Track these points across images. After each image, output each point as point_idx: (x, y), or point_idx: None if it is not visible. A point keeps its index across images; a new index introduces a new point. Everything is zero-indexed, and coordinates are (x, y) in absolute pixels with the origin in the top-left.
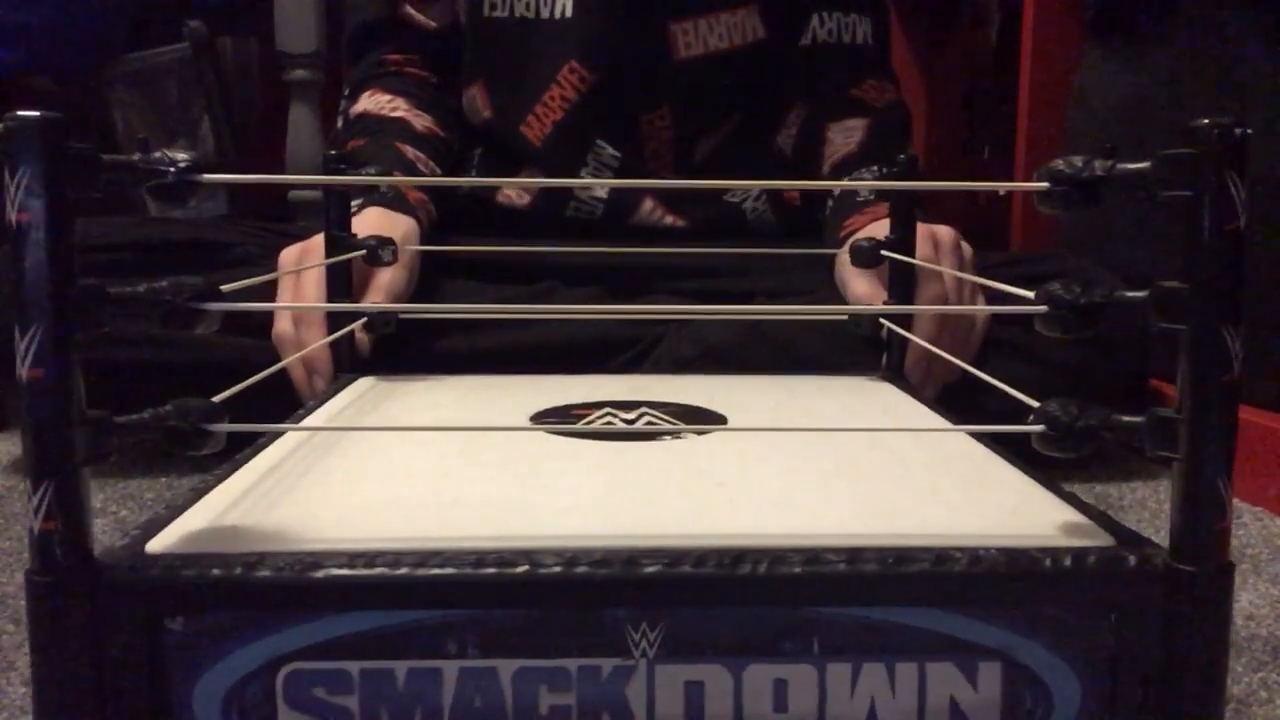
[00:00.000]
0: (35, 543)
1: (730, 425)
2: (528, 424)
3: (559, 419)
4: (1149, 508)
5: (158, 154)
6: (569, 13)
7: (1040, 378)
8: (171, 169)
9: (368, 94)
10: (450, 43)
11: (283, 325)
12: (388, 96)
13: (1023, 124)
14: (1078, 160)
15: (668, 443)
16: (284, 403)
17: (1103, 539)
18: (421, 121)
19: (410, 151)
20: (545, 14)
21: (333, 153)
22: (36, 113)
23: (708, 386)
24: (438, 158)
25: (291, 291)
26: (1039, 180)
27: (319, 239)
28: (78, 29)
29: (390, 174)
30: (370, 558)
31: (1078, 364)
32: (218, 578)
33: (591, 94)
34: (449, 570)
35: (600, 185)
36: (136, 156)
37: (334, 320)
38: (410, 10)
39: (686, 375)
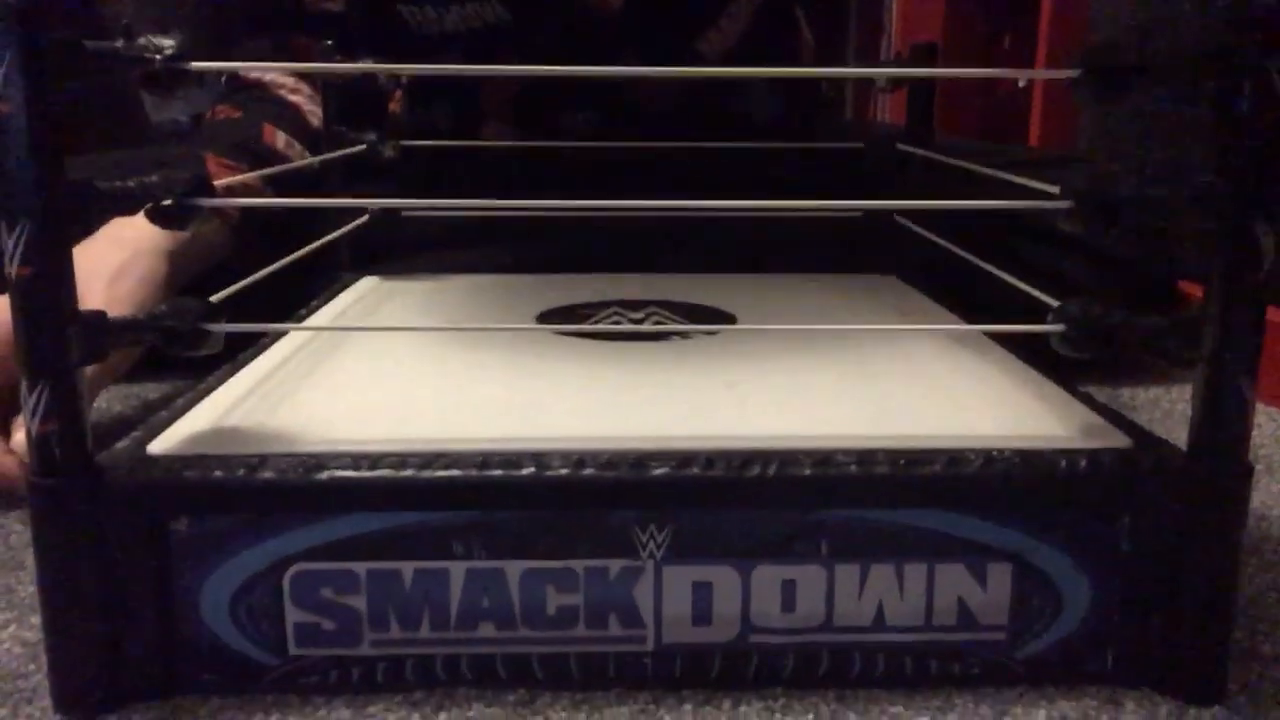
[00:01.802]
0: (34, 444)
1: (740, 324)
2: (533, 324)
3: (565, 319)
4: (1161, 407)
5: (142, 40)
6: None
7: (1059, 279)
8: (158, 56)
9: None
10: (356, 20)
11: None
12: (294, 80)
13: (1045, 11)
14: (1113, 46)
15: (676, 342)
16: (285, 303)
17: (1119, 440)
18: (318, 116)
19: (281, 139)
20: None
21: (182, 119)
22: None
23: (717, 285)
24: (314, 152)
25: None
26: (1071, 67)
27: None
28: None
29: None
30: (374, 459)
31: (1099, 266)
32: (221, 479)
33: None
34: (454, 471)
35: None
36: (120, 43)
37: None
38: None
39: (694, 274)
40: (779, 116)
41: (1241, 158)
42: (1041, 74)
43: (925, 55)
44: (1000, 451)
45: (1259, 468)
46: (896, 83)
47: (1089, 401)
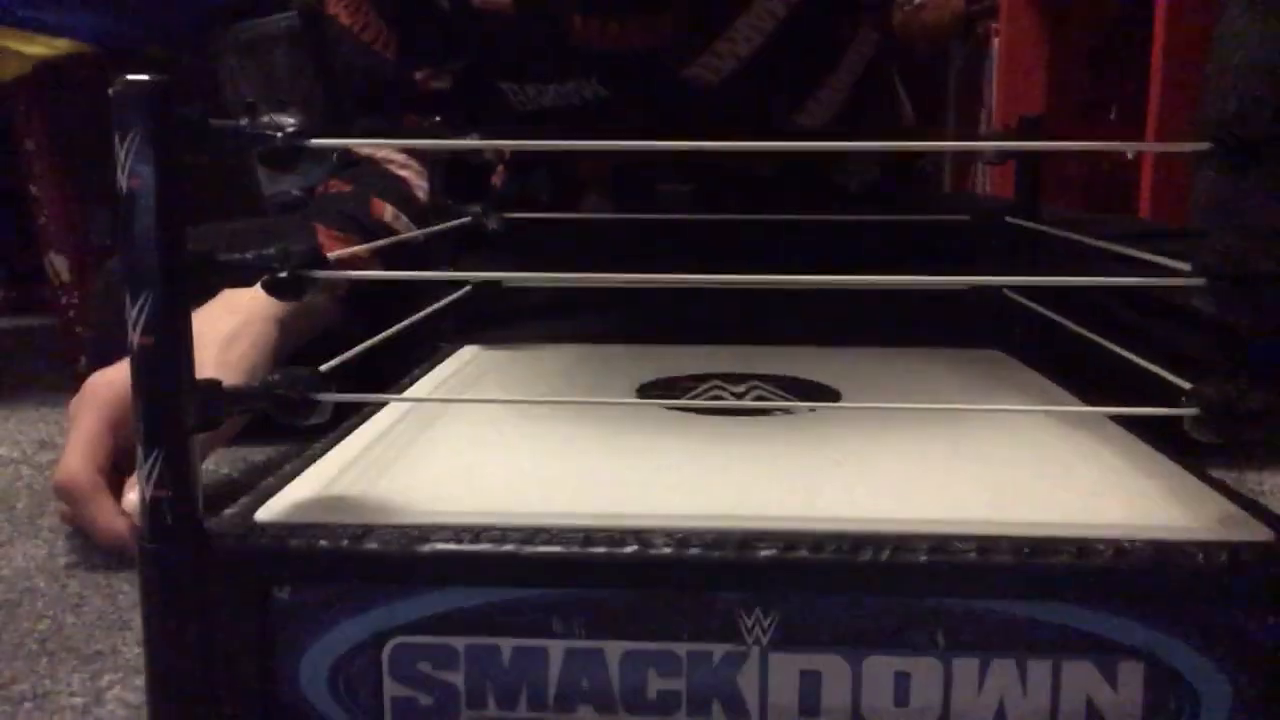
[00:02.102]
0: (146, 509)
1: (845, 401)
2: (634, 397)
3: (666, 392)
4: None
5: (265, 118)
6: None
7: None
8: (279, 133)
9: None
10: (463, 99)
11: (73, 467)
12: (403, 156)
13: (1156, 83)
14: (1245, 117)
15: (779, 418)
16: (387, 371)
17: (1261, 532)
18: (424, 190)
19: (389, 212)
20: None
21: (294, 193)
22: (145, 77)
23: (818, 358)
24: (421, 224)
25: (81, 440)
26: (1198, 140)
27: (118, 375)
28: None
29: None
30: (476, 532)
31: (1228, 343)
32: (325, 548)
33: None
34: (556, 548)
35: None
36: (244, 121)
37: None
38: (422, 76)
39: (796, 346)
40: (878, 188)
41: None
42: (1166, 146)
43: (1032, 128)
44: (1132, 542)
45: None
46: (1002, 156)
47: (1224, 489)
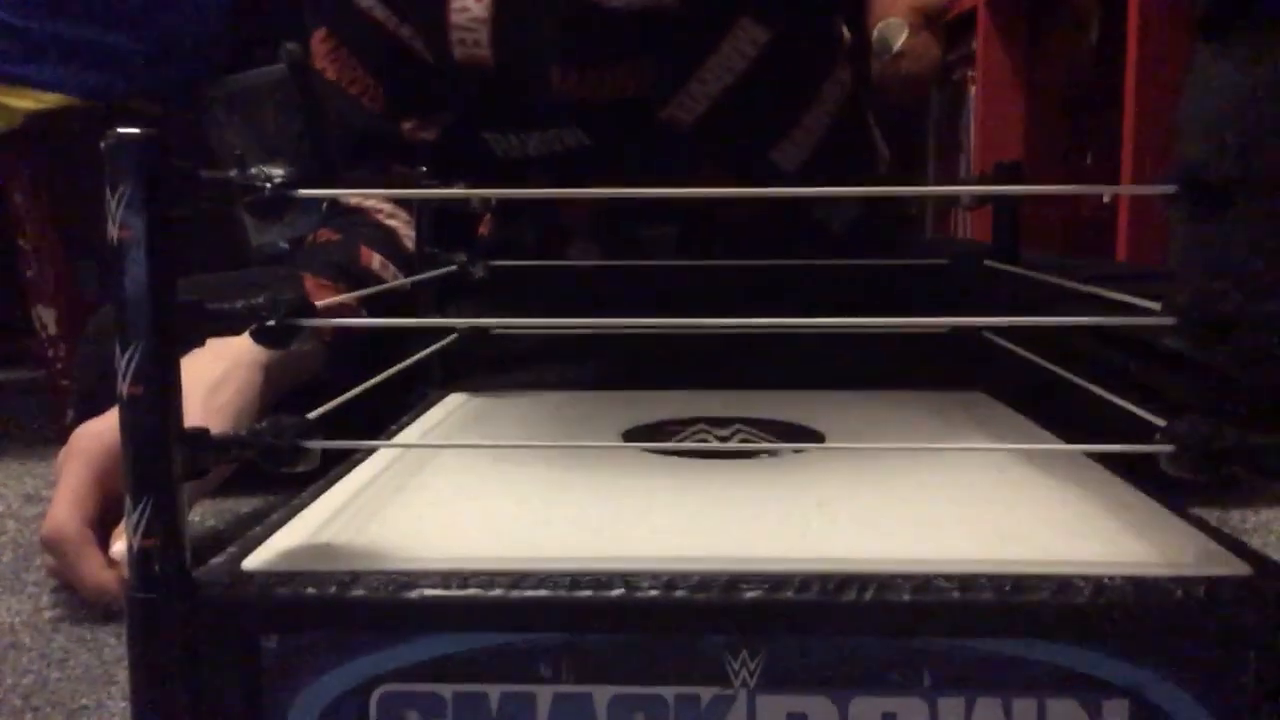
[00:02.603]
0: (134, 559)
1: (828, 443)
2: (620, 441)
3: (652, 436)
4: (1275, 530)
5: (254, 170)
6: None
7: (1155, 395)
8: (267, 184)
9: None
10: (449, 148)
11: (60, 519)
12: (391, 206)
13: (1129, 128)
14: (1209, 162)
15: (764, 460)
16: (375, 419)
17: (1239, 567)
18: (412, 239)
19: (376, 260)
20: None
21: (282, 244)
22: (136, 130)
23: (802, 401)
24: (408, 274)
25: (69, 493)
26: (1166, 183)
27: (105, 427)
28: (178, 53)
29: (334, 284)
30: (464, 578)
31: (1203, 382)
32: (313, 596)
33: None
34: (543, 592)
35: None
36: (233, 173)
37: (430, 335)
38: (409, 126)
39: (779, 390)
40: (858, 225)
41: None
42: (1135, 190)
43: (1009, 173)
44: (1111, 579)
45: None
46: (981, 200)
47: (1202, 526)
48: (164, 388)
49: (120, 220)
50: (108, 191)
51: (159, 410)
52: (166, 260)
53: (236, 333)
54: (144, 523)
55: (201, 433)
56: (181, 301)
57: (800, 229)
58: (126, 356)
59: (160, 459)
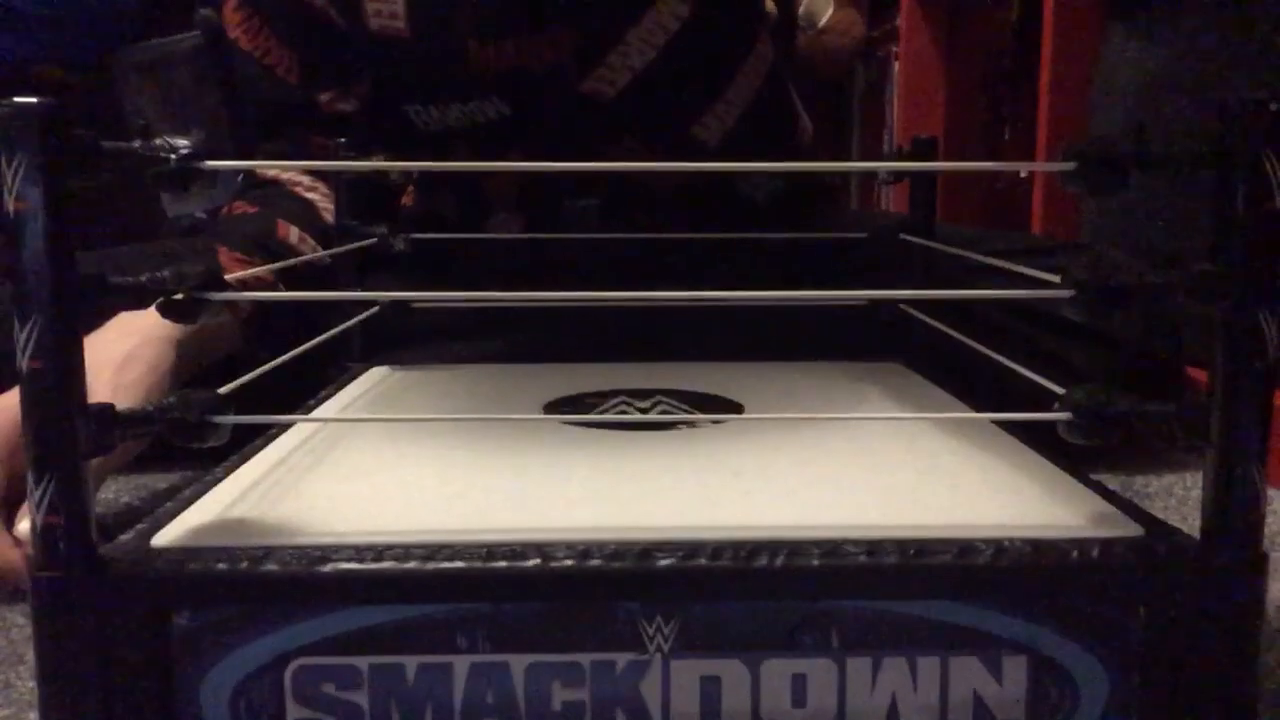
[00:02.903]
0: (38, 537)
1: (746, 414)
2: (540, 414)
3: (573, 408)
4: (1175, 494)
5: (159, 141)
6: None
7: (1066, 365)
8: (172, 155)
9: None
10: (369, 120)
11: None
12: (310, 178)
13: (1044, 104)
14: (1105, 139)
15: (683, 431)
16: (296, 393)
17: (1131, 529)
18: (332, 212)
19: (294, 234)
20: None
21: (199, 215)
22: (33, 99)
23: (723, 373)
24: (327, 247)
25: None
26: (1065, 160)
27: (10, 403)
28: (87, 18)
29: (249, 257)
30: (378, 551)
31: (1106, 351)
32: (223, 571)
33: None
34: (458, 563)
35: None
36: (137, 143)
37: (346, 309)
38: (326, 98)
39: (701, 362)
40: (781, 197)
41: (1242, 246)
42: (1035, 166)
43: (926, 149)
44: (1011, 541)
45: (1277, 555)
46: (898, 175)
47: (1100, 490)
48: (65, 362)
49: (16, 192)
50: (3, 162)
51: (60, 385)
52: (66, 231)
53: (141, 307)
54: (47, 500)
55: (106, 408)
56: (82, 275)
57: (722, 200)
58: (25, 331)
59: (63, 435)
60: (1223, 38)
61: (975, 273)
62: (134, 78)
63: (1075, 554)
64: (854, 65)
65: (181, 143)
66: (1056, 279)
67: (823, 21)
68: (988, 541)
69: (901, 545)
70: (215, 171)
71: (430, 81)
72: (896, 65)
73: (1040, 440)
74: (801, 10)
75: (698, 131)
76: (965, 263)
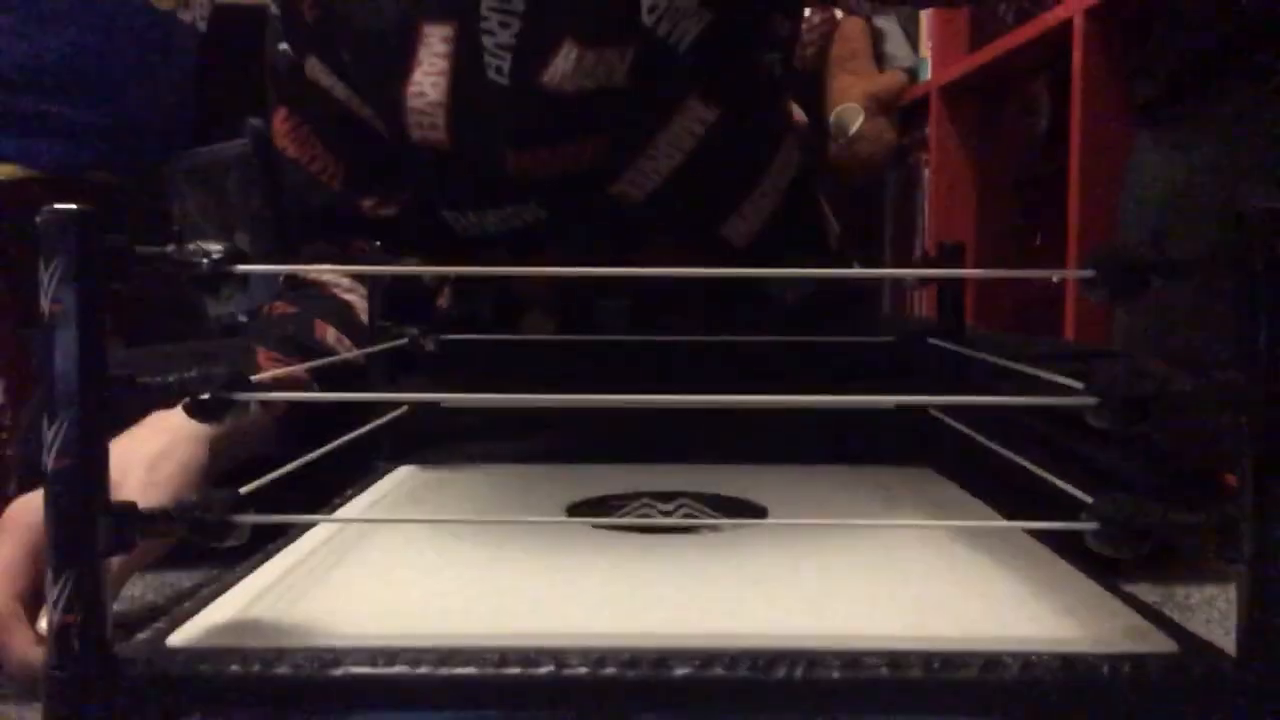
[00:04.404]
0: (54, 636)
1: (771, 518)
2: (563, 515)
3: (595, 510)
4: (1218, 607)
5: (191, 246)
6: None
7: (1100, 472)
8: (205, 260)
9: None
10: (409, 225)
11: None
12: (349, 281)
13: (1074, 210)
14: (1124, 247)
15: (706, 535)
16: (325, 492)
17: (1166, 644)
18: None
19: (331, 334)
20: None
21: (240, 316)
22: (71, 206)
23: (748, 476)
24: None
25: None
26: (1085, 267)
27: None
28: (141, 127)
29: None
30: (391, 655)
31: (1140, 459)
32: (235, 674)
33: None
34: (471, 669)
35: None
36: (169, 248)
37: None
38: (369, 204)
39: (726, 465)
40: (811, 298)
41: (1264, 354)
42: (1053, 273)
43: (952, 254)
44: (1039, 655)
45: None
46: (923, 280)
47: (1133, 603)
48: (89, 461)
49: (52, 294)
50: (41, 265)
51: (84, 484)
52: (98, 333)
53: (168, 406)
54: (64, 598)
55: (128, 506)
56: (111, 375)
57: (752, 300)
58: (53, 430)
59: (83, 533)
60: (1250, 147)
61: (1004, 378)
62: (183, 183)
63: (1106, 670)
64: (885, 172)
65: (215, 247)
66: (1080, 385)
67: (853, 130)
68: (1015, 655)
69: (925, 658)
70: (246, 275)
71: (468, 189)
72: (927, 172)
73: (1074, 549)
74: (833, 119)
75: (726, 233)
76: (992, 369)
